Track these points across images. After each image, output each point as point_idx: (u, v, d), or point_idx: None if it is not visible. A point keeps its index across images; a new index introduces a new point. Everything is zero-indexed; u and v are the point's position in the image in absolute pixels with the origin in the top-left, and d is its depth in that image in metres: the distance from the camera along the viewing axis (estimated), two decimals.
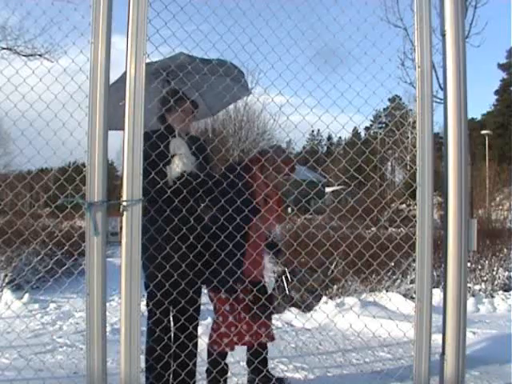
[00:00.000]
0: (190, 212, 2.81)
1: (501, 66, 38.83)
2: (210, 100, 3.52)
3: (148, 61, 2.36)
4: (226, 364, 3.22)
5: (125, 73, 2.37)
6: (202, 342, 3.48)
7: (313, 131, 42.35)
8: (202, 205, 3.08)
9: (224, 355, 3.22)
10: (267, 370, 3.40)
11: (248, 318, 3.17)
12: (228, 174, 2.95)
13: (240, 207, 2.80)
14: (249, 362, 3.46)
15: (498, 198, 22.23)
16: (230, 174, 2.90)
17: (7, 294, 6.66)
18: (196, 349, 3.10)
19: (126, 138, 2.28)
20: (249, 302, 3.16)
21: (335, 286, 6.57)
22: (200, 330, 3.26)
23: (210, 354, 3.18)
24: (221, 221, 2.83)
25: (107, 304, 2.33)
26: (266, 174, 3.18)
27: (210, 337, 3.23)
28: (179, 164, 2.86)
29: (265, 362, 3.42)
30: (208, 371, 3.19)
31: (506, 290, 7.12)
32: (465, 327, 2.52)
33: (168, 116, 3.02)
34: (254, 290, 3.16)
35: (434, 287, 2.71)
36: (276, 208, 3.23)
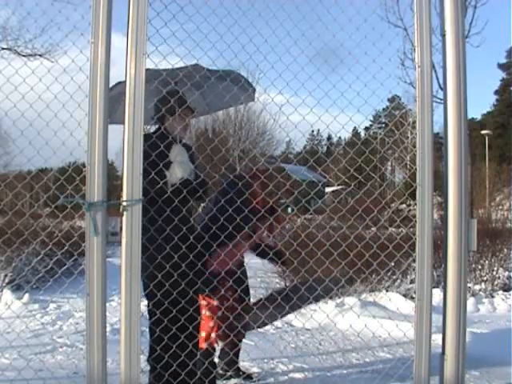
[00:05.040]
0: (187, 216, 2.89)
1: (501, 66, 38.87)
2: (210, 99, 3.54)
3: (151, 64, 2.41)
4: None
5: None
6: None
7: (313, 131, 42.39)
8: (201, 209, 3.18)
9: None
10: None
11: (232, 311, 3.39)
12: (228, 188, 3.19)
13: (236, 217, 2.88)
14: (224, 356, 3.68)
15: (498, 198, 22.24)
16: (231, 187, 3.13)
17: (7, 294, 6.65)
18: (197, 349, 3.10)
19: (126, 138, 2.28)
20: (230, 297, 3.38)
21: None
22: None
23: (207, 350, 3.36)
24: (213, 227, 2.92)
25: (107, 304, 2.33)
26: (266, 191, 3.34)
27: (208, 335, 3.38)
28: (179, 171, 2.93)
29: (238, 355, 3.72)
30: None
31: (506, 290, 7.12)
32: (465, 327, 2.52)
33: (168, 119, 3.04)
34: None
35: (434, 287, 2.71)
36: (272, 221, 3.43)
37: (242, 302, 3.52)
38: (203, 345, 3.37)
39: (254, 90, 3.41)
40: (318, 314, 5.35)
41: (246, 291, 3.60)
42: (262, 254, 3.67)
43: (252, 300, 3.80)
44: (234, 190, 3.11)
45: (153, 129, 3.19)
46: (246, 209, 2.93)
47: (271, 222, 3.48)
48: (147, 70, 2.66)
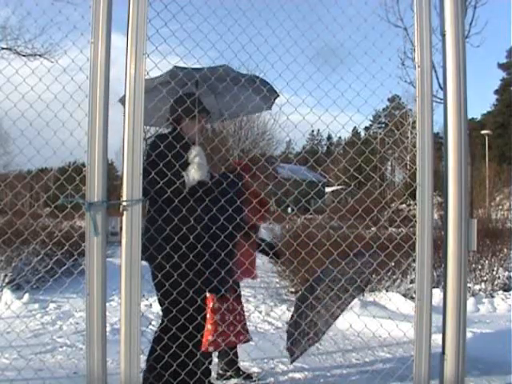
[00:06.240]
0: (202, 217, 2.89)
1: (501, 66, 38.90)
2: (224, 105, 3.53)
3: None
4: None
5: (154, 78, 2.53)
6: None
7: (313, 131, 42.45)
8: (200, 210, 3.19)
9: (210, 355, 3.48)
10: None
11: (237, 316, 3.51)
12: (222, 179, 3.13)
13: (233, 212, 2.89)
14: (223, 356, 3.70)
15: (497, 198, 22.25)
16: (224, 180, 3.08)
17: (7, 294, 6.65)
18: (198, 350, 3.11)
19: (126, 138, 2.28)
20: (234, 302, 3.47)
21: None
22: None
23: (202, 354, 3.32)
24: (213, 224, 2.92)
25: (107, 304, 2.33)
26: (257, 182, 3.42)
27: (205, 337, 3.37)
28: (197, 173, 2.86)
29: (236, 354, 3.74)
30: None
31: (506, 290, 7.11)
32: (465, 327, 2.52)
33: (183, 121, 3.04)
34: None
35: (434, 287, 2.71)
36: (260, 209, 3.46)
37: (239, 303, 3.54)
38: (208, 347, 3.39)
39: (278, 95, 3.36)
40: None
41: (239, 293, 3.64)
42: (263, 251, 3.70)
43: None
44: (227, 182, 3.10)
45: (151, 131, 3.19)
46: (241, 202, 2.93)
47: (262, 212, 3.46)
48: (178, 68, 2.70)
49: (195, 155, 2.87)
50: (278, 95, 3.34)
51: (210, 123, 3.45)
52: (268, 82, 3.15)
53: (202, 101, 3.13)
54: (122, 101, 2.42)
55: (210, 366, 3.45)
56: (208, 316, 3.38)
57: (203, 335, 3.12)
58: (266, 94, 3.06)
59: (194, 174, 2.84)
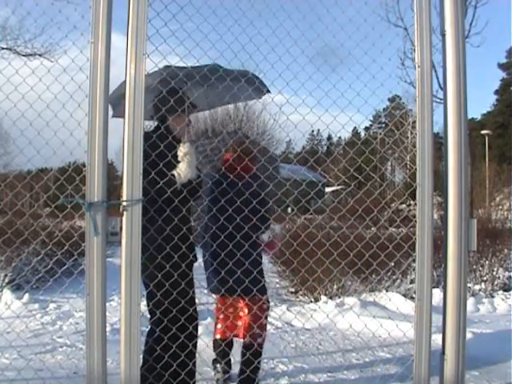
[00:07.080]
0: (188, 216, 2.89)
1: (501, 66, 38.88)
2: (221, 95, 3.46)
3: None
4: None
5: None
6: (202, 342, 3.50)
7: (313, 131, 42.44)
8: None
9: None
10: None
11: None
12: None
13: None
14: (223, 356, 3.69)
15: (497, 198, 22.25)
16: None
17: (7, 294, 6.64)
18: (195, 349, 3.10)
19: (126, 137, 2.28)
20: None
21: (335, 286, 6.57)
22: (200, 330, 3.28)
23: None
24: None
25: (107, 304, 2.33)
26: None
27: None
28: (189, 170, 2.82)
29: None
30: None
31: (506, 290, 7.12)
32: (465, 327, 2.52)
33: (169, 118, 3.00)
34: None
35: (434, 287, 2.71)
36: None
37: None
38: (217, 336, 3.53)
39: (268, 91, 3.32)
40: (318, 314, 5.35)
41: None
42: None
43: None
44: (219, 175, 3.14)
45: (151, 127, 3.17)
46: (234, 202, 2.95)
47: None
48: (167, 67, 2.68)
49: (185, 153, 2.82)
50: (269, 90, 3.31)
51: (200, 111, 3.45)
52: (258, 77, 3.13)
53: (192, 93, 3.04)
54: (111, 99, 2.38)
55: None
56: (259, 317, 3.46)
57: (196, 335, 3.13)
58: (258, 86, 3.03)
59: (185, 172, 2.80)
